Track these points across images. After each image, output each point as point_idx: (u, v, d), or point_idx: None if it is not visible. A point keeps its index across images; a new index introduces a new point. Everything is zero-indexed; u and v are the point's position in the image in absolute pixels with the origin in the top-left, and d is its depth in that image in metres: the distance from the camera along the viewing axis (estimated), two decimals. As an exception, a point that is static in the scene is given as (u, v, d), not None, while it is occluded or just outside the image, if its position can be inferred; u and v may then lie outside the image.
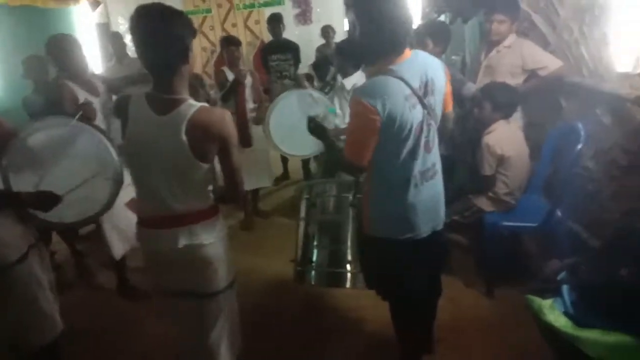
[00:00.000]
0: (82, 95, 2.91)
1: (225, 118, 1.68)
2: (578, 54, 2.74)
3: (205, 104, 1.69)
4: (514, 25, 3.13)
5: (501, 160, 2.81)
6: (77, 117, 2.45)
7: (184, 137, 1.61)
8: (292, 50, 5.28)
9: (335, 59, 3.84)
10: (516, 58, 3.07)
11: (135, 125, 1.70)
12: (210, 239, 1.79)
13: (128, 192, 2.98)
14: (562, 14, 2.85)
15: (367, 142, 1.78)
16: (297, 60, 5.34)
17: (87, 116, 2.61)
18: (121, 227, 3.01)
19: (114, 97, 3.14)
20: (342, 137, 2.57)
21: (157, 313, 2.04)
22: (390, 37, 1.76)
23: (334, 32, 6.17)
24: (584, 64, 2.70)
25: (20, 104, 3.79)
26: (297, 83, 4.69)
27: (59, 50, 2.88)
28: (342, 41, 4.06)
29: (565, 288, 1.74)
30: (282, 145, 3.94)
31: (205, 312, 1.85)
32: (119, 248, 3.05)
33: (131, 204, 2.95)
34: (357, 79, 3.53)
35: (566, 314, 1.67)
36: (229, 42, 4.17)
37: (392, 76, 1.75)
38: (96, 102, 2.95)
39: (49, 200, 2.10)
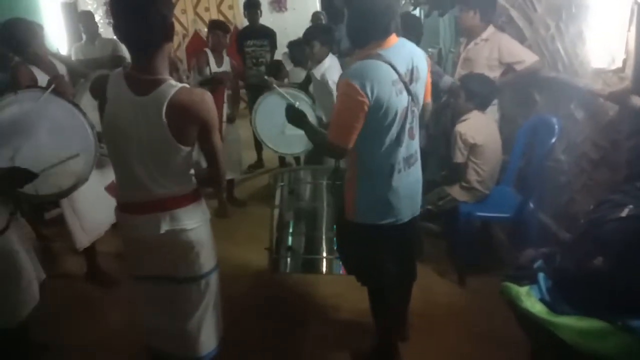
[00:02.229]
0: (41, 77, 2.75)
1: (205, 99, 1.62)
2: (554, 49, 2.80)
3: (186, 85, 1.63)
4: (483, 19, 3.19)
5: (473, 149, 2.87)
6: (49, 89, 2.37)
7: (164, 119, 1.55)
8: (268, 36, 5.22)
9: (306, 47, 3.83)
10: (493, 51, 3.13)
11: (113, 107, 1.63)
12: (193, 224, 1.74)
13: (91, 179, 2.92)
14: (539, 10, 2.91)
15: (353, 124, 1.78)
16: (273, 47, 5.29)
17: (60, 90, 2.50)
18: (86, 218, 2.94)
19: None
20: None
21: (130, 298, 1.98)
22: (374, 21, 1.79)
23: (325, 18, 6.13)
24: (559, 59, 2.76)
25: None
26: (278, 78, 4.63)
27: (15, 36, 2.73)
28: (309, 29, 3.99)
29: (541, 276, 1.78)
30: (274, 145, 4.01)
31: (186, 297, 1.81)
32: (82, 239, 2.97)
33: (111, 187, 2.87)
34: (328, 63, 3.55)
35: (542, 300, 1.71)
36: (217, 27, 4.08)
37: (381, 60, 1.77)
38: None
39: (24, 177, 2.04)
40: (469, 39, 3.33)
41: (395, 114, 1.80)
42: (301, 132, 2.13)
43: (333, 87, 3.76)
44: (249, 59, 5.12)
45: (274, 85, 3.88)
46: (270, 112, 3.82)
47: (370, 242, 2.04)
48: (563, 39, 2.70)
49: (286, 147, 4.02)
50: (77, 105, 2.50)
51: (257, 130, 4.03)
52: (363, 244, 2.06)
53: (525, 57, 3.01)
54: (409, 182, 1.99)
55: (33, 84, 2.65)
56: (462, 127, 2.88)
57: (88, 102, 2.84)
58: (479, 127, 2.89)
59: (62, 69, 2.90)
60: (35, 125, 2.31)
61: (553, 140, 2.63)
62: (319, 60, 3.56)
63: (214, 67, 4.00)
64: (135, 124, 1.59)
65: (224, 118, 4.05)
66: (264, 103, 3.91)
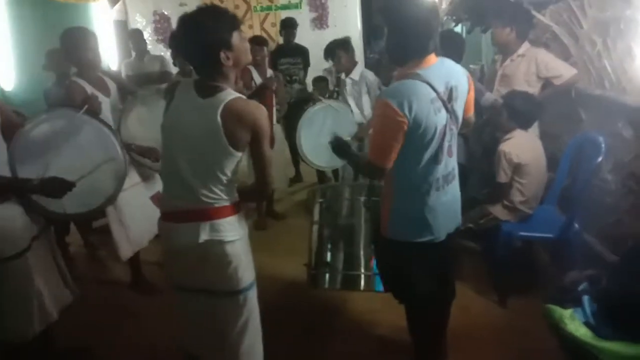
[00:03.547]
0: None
1: (260, 109, 1.72)
2: (600, 66, 2.74)
3: (243, 96, 1.74)
4: (519, 36, 3.18)
5: (517, 168, 2.80)
6: (82, 110, 2.44)
7: (219, 119, 1.65)
8: (301, 54, 5.29)
9: (334, 61, 3.99)
10: (531, 66, 3.11)
11: (178, 104, 1.75)
12: (232, 237, 1.77)
13: (136, 191, 3.03)
14: (586, 26, 2.86)
15: (393, 144, 1.80)
16: (306, 64, 5.34)
17: (92, 109, 2.59)
18: (131, 228, 3.01)
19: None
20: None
21: (174, 309, 2.04)
22: (414, 40, 1.81)
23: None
24: (606, 76, 2.70)
25: (39, 96, 3.84)
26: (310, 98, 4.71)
27: (74, 42, 2.81)
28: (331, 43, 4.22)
29: (586, 299, 1.74)
30: (314, 158, 3.98)
31: (224, 312, 1.82)
32: (126, 249, 3.04)
33: (155, 198, 2.97)
34: (361, 69, 3.79)
35: (587, 324, 1.67)
36: (254, 42, 4.18)
37: (419, 80, 1.78)
38: (106, 102, 2.88)
39: (61, 186, 2.10)
40: (505, 56, 3.30)
41: (434, 132, 1.81)
42: None
43: (370, 85, 3.89)
44: (282, 77, 5.20)
45: (320, 97, 3.96)
46: (312, 126, 3.86)
47: (406, 259, 2.03)
48: (610, 56, 2.64)
49: (326, 161, 4.03)
50: (109, 126, 2.57)
51: (300, 142, 3.99)
52: (399, 261, 2.06)
53: (564, 71, 2.96)
54: (446, 200, 1.98)
55: (86, 99, 2.70)
56: (506, 146, 2.81)
57: (135, 117, 3.00)
58: (524, 146, 2.83)
59: (112, 86, 3.00)
60: (66, 144, 2.37)
61: (599, 159, 2.56)
62: (349, 69, 3.66)
63: (258, 81, 4.10)
64: (192, 122, 1.70)
65: (274, 120, 4.14)
66: (308, 117, 3.94)
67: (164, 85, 3.36)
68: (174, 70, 4.64)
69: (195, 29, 1.65)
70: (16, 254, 2.08)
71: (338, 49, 4.03)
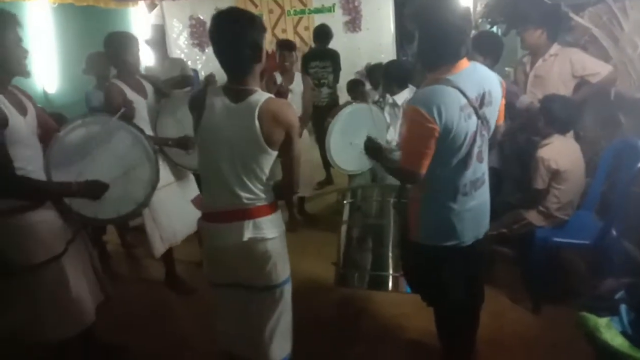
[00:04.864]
0: (131, 97, 2.90)
1: (292, 108, 1.81)
2: (642, 69, 2.67)
3: (272, 95, 1.81)
4: (549, 38, 3.16)
5: (555, 175, 2.74)
6: (118, 115, 2.47)
7: (257, 122, 1.71)
8: (331, 57, 5.29)
9: (382, 79, 3.88)
10: (565, 65, 3.06)
11: (211, 113, 1.79)
12: (273, 234, 1.86)
13: (170, 190, 3.09)
14: (627, 28, 2.79)
15: (425, 150, 1.78)
16: (336, 68, 5.33)
17: (127, 115, 2.65)
18: (164, 226, 3.09)
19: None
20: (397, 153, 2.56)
21: (209, 305, 2.09)
22: (445, 46, 1.78)
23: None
24: (647, 79, 2.62)
25: (79, 98, 3.98)
26: (359, 97, 4.65)
27: (117, 46, 2.91)
28: (389, 62, 4.11)
29: (623, 307, 1.69)
30: (340, 161, 3.72)
31: (262, 305, 1.90)
32: (159, 247, 3.12)
33: (197, 200, 3.05)
34: (408, 94, 3.56)
35: (623, 333, 1.63)
36: (281, 46, 4.22)
37: (449, 85, 1.76)
38: (143, 104, 2.96)
39: (98, 188, 2.18)
40: (535, 57, 3.26)
41: (465, 138, 1.79)
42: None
43: None
44: (312, 81, 5.21)
45: (354, 102, 3.90)
46: (344, 128, 3.76)
47: (432, 262, 2.02)
48: (652, 59, 2.57)
49: (356, 165, 3.94)
50: (142, 131, 2.59)
51: (329, 144, 3.70)
52: (425, 264, 2.06)
53: (600, 69, 2.90)
54: (474, 205, 1.95)
55: (124, 102, 2.79)
56: (545, 152, 2.74)
57: (170, 118, 3.07)
58: (563, 152, 2.75)
59: (149, 88, 3.08)
60: (100, 149, 2.39)
61: (639, 164, 2.48)
62: (393, 91, 3.62)
63: None
64: (229, 127, 1.76)
65: None
66: (339, 120, 3.81)
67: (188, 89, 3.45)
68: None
69: (242, 37, 1.70)
70: (52, 257, 2.12)
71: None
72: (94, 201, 2.21)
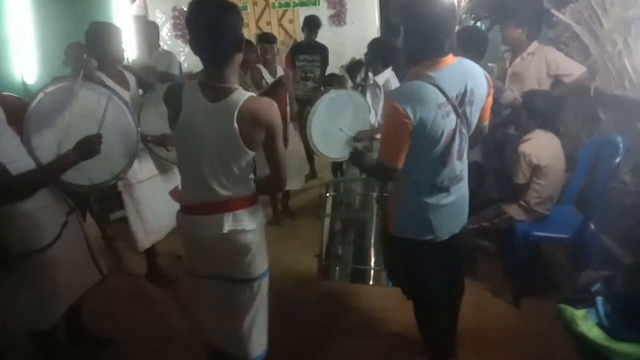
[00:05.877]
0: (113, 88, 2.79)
1: (273, 107, 1.74)
2: (621, 66, 2.71)
3: (253, 94, 1.75)
4: (529, 37, 3.24)
5: (536, 170, 2.77)
6: (80, 76, 2.39)
7: (236, 124, 1.67)
8: (319, 51, 5.27)
9: (367, 55, 3.86)
10: (541, 64, 3.15)
11: (188, 112, 1.74)
12: (252, 225, 1.84)
13: (154, 183, 3.07)
14: (607, 25, 2.83)
15: (400, 145, 1.80)
16: (324, 62, 5.31)
17: (88, 75, 2.57)
18: (149, 221, 3.06)
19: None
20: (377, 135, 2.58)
21: (189, 298, 2.08)
22: (430, 40, 1.78)
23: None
24: (626, 76, 2.66)
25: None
26: (336, 84, 4.64)
27: (99, 37, 2.83)
28: (377, 38, 4.09)
29: (599, 299, 1.72)
30: (322, 148, 3.69)
31: (240, 298, 1.89)
32: (144, 240, 3.10)
33: (174, 193, 3.01)
34: (389, 75, 3.56)
35: (600, 325, 1.65)
36: (262, 39, 4.21)
37: (429, 82, 1.76)
38: (126, 95, 2.87)
39: (92, 142, 2.14)
40: (515, 54, 3.35)
41: (441, 136, 1.79)
42: None
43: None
44: (299, 73, 5.19)
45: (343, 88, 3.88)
46: (325, 115, 3.70)
47: (410, 256, 2.05)
48: (631, 56, 2.61)
49: (338, 152, 3.78)
50: (107, 86, 2.55)
51: (310, 132, 3.65)
52: (403, 257, 2.09)
53: (573, 70, 2.99)
54: (451, 201, 1.97)
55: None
56: (526, 147, 2.77)
57: (153, 111, 3.03)
58: (544, 147, 2.78)
59: (131, 80, 3.02)
60: (73, 114, 2.31)
61: (617, 160, 2.53)
62: (377, 69, 3.60)
63: (268, 79, 4.10)
64: (208, 128, 1.71)
65: (288, 118, 4.12)
66: (319, 107, 3.60)
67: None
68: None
69: (222, 25, 1.65)
70: (48, 244, 2.10)
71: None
72: (91, 160, 2.16)
